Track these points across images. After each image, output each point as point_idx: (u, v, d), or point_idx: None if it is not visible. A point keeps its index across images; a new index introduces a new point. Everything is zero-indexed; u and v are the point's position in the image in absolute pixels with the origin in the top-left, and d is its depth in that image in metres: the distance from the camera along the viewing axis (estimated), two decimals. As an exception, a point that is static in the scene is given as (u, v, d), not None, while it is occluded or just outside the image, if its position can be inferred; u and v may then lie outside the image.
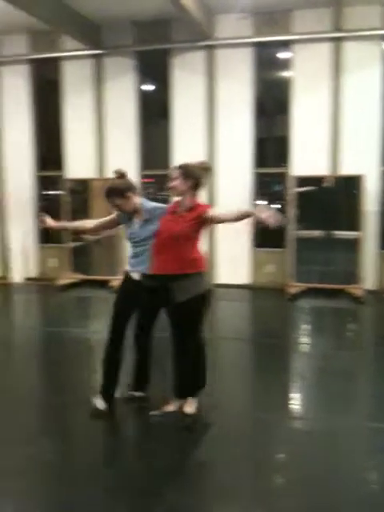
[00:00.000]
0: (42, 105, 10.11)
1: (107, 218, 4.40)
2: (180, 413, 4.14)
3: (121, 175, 4.18)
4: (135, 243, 4.17)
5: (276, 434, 3.99)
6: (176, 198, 4.09)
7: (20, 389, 4.97)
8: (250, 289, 9.14)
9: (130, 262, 4.24)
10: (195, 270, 3.98)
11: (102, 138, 9.66)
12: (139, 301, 4.19)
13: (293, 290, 8.36)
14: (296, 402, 4.71)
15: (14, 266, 10.16)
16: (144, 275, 4.08)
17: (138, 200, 4.15)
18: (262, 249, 9.25)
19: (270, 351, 6.00)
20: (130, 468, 3.57)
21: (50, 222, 4.46)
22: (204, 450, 3.74)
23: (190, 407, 4.18)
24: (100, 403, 4.23)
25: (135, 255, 4.18)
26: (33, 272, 10.26)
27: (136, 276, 4.16)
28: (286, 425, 4.14)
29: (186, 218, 3.92)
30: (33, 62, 9.90)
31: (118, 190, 4.06)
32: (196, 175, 3.97)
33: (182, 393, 4.22)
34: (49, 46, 9.64)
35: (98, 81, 9.60)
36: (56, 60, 9.74)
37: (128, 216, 4.18)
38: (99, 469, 3.59)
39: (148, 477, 3.41)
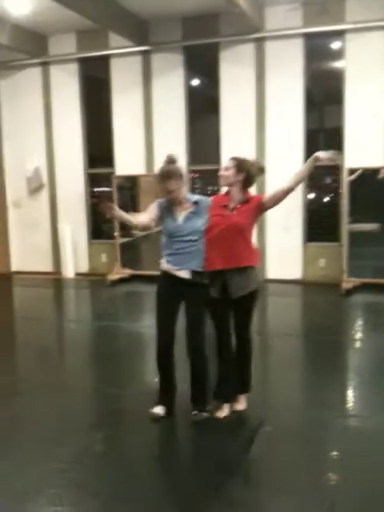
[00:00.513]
0: (92, 103, 10.21)
1: (154, 212, 4.00)
2: (233, 412, 4.08)
3: (172, 161, 3.97)
4: (178, 238, 3.90)
5: (330, 432, 3.89)
6: (224, 190, 4.04)
7: (73, 381, 5.03)
8: (301, 284, 8.97)
9: (171, 259, 3.93)
10: (252, 263, 3.93)
11: (150, 135, 9.68)
12: (187, 300, 3.96)
13: (346, 286, 8.14)
14: (351, 399, 4.58)
15: (66, 262, 10.30)
16: (196, 272, 3.88)
17: (185, 191, 4.04)
18: (313, 243, 9.06)
19: (323, 348, 5.85)
20: (184, 463, 3.54)
21: (115, 209, 3.94)
22: (259, 447, 3.67)
23: (241, 404, 4.14)
24: (159, 409, 4.08)
25: (177, 252, 3.89)
26: (83, 267, 10.39)
27: (184, 274, 3.89)
28: (340, 422, 4.03)
29: (242, 209, 3.86)
30: (81, 60, 10.01)
31: (177, 172, 3.88)
32: (249, 170, 3.92)
33: (240, 390, 4.15)
34: (97, 44, 9.71)
35: (147, 77, 9.61)
36: (104, 58, 9.82)
37: (170, 208, 3.94)
38: (154, 463, 3.57)
39: (204, 472, 3.37)
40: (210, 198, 4.07)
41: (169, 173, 3.87)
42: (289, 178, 4.06)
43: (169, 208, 3.97)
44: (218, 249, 3.84)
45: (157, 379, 4.19)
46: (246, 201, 3.90)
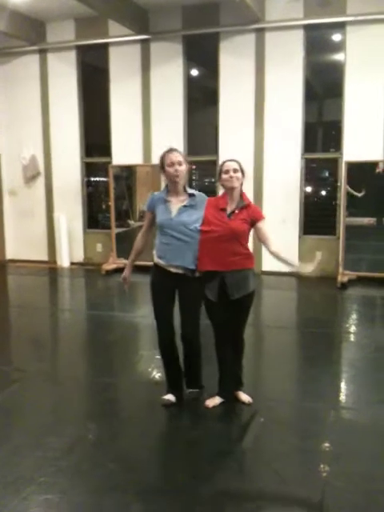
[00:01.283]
0: (89, 91, 10.15)
1: (146, 222, 4.10)
2: (240, 401, 4.11)
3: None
4: (169, 231, 3.86)
5: (323, 424, 3.88)
6: (222, 192, 3.98)
7: (67, 370, 5.01)
8: (297, 277, 8.95)
9: (162, 253, 3.91)
10: (248, 266, 3.90)
11: (147, 125, 9.61)
12: (180, 291, 3.95)
13: (342, 279, 8.14)
14: (344, 391, 4.58)
15: (61, 251, 10.25)
16: (189, 270, 3.86)
17: (184, 181, 3.99)
18: (310, 236, 9.05)
19: (318, 340, 5.85)
20: (177, 453, 3.52)
21: (128, 274, 4.16)
22: (252, 438, 3.66)
23: (245, 397, 4.13)
24: (169, 396, 4.12)
25: (169, 246, 3.86)
26: (79, 257, 10.35)
27: (176, 269, 3.86)
28: (333, 414, 4.03)
29: (240, 215, 3.82)
30: (80, 48, 9.93)
31: (183, 154, 3.93)
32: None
33: (236, 386, 4.16)
34: (96, 31, 9.63)
35: (145, 67, 9.53)
36: (103, 46, 9.75)
37: (165, 199, 3.91)
38: (147, 452, 3.55)
39: (197, 462, 3.37)
40: (207, 198, 4.00)
41: (175, 149, 3.92)
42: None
43: (164, 199, 3.93)
44: (214, 253, 3.80)
45: (163, 369, 4.24)
46: (244, 206, 3.86)
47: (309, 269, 3.95)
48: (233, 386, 4.14)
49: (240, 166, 3.88)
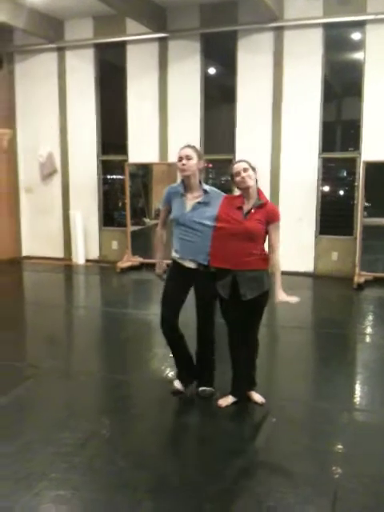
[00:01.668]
0: (106, 89, 10.16)
1: (162, 217, 4.17)
2: (252, 401, 4.09)
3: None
4: (182, 226, 3.91)
5: (336, 425, 3.85)
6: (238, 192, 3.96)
7: (81, 367, 5.02)
8: (313, 277, 8.91)
9: (178, 247, 3.96)
10: (262, 267, 3.85)
11: (164, 123, 9.61)
12: (196, 287, 3.97)
13: (359, 280, 8.06)
14: (358, 393, 4.54)
15: (76, 248, 10.30)
16: (203, 266, 3.88)
17: (198, 177, 3.99)
18: (326, 236, 8.98)
19: (334, 341, 5.80)
20: (189, 451, 3.53)
21: (161, 270, 4.22)
22: (264, 437, 3.64)
23: (259, 397, 4.11)
24: (177, 383, 4.22)
25: (182, 240, 3.91)
26: (94, 254, 10.39)
27: (191, 264, 3.91)
28: (346, 416, 4.00)
29: (256, 215, 3.78)
30: (98, 46, 9.95)
31: (197, 149, 3.95)
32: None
33: (249, 386, 4.13)
34: (114, 29, 9.64)
35: (163, 65, 9.53)
36: (121, 44, 9.76)
37: (181, 194, 3.94)
38: (159, 450, 3.55)
39: (209, 461, 3.36)
40: (223, 195, 3.99)
41: (190, 145, 3.95)
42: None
43: (180, 194, 3.96)
44: (226, 251, 3.78)
45: (171, 355, 4.29)
46: (261, 205, 3.82)
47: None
48: (246, 385, 4.11)
49: (249, 164, 3.85)
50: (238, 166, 3.82)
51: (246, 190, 3.82)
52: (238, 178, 3.81)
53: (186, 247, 3.90)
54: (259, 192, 3.88)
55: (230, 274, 3.79)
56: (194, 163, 3.87)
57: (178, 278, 3.99)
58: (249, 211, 3.80)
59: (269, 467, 3.29)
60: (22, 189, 10.80)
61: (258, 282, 3.81)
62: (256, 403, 4.05)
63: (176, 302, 4.02)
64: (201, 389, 4.17)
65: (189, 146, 3.93)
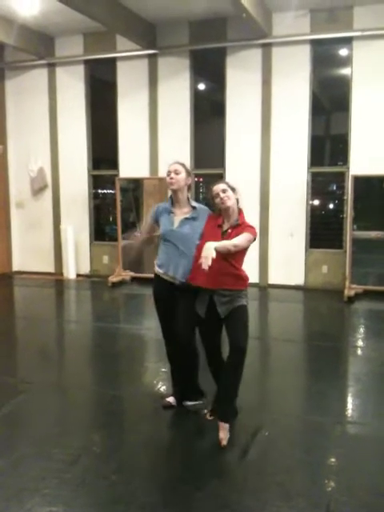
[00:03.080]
0: (97, 105, 10.23)
1: (146, 228, 4.28)
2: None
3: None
4: (170, 242, 3.94)
5: (328, 438, 3.85)
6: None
7: (73, 382, 5.01)
8: (304, 290, 8.95)
9: (161, 262, 4.00)
10: (239, 287, 3.81)
11: (155, 138, 9.67)
12: (178, 300, 3.97)
13: (349, 292, 8.11)
14: (350, 406, 4.55)
15: (67, 263, 10.28)
16: (183, 284, 3.90)
17: (186, 193, 4.04)
18: (317, 249, 9.04)
19: (324, 354, 5.82)
20: (182, 466, 3.49)
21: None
22: (256, 452, 3.63)
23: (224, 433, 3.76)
24: (170, 398, 4.26)
25: (168, 255, 3.95)
26: (85, 269, 10.38)
27: (172, 279, 3.94)
28: (338, 429, 4.01)
29: (233, 234, 3.76)
30: (88, 62, 10.04)
31: (185, 165, 4.01)
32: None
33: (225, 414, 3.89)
34: (104, 46, 9.73)
35: (153, 81, 9.61)
36: (111, 60, 9.84)
37: (169, 210, 3.99)
38: (151, 465, 3.54)
39: (201, 476, 3.34)
40: (209, 212, 3.99)
41: (178, 161, 4.01)
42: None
43: (168, 211, 4.00)
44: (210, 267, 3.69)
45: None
46: (238, 225, 3.81)
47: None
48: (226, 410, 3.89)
49: (228, 185, 3.86)
50: (216, 188, 3.83)
51: (225, 210, 3.82)
52: (217, 199, 3.82)
53: (167, 262, 3.95)
54: (240, 213, 3.87)
55: (207, 293, 3.80)
56: (181, 177, 3.92)
57: (164, 296, 4.04)
58: (227, 230, 3.81)
59: (262, 481, 3.29)
60: (12, 203, 10.80)
61: (233, 301, 3.76)
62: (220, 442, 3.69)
63: (171, 323, 4.04)
64: (188, 403, 4.19)
65: (177, 162, 4.00)
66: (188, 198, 4.03)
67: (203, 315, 3.84)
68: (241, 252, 3.80)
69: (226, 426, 3.75)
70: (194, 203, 4.03)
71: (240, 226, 3.81)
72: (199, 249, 3.74)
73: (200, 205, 4.07)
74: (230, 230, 3.81)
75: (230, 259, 3.73)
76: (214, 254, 3.44)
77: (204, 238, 3.81)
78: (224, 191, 3.79)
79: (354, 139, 8.64)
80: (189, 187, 4.04)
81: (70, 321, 7.66)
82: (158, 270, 4.04)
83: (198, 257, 3.71)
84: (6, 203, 10.73)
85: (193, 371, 4.17)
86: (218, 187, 3.82)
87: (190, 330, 4.02)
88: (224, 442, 3.67)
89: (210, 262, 3.41)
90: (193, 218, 3.94)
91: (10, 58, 10.34)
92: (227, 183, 3.89)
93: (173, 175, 3.92)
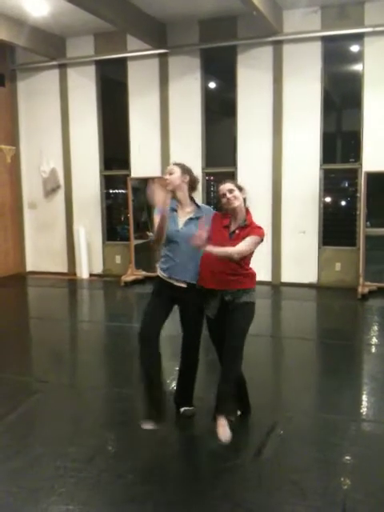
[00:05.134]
0: (108, 105, 10.26)
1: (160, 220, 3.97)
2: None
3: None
4: (175, 244, 3.81)
5: (343, 436, 3.83)
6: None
7: (87, 381, 5.04)
8: (317, 288, 8.91)
9: (166, 266, 3.85)
10: (248, 286, 3.76)
11: (166, 137, 9.68)
12: (181, 305, 3.89)
13: (362, 290, 8.06)
14: (364, 404, 4.52)
15: (80, 263, 10.33)
16: (190, 285, 3.80)
17: (187, 194, 3.91)
18: (329, 247, 9.00)
19: (338, 352, 5.79)
20: (196, 465, 3.51)
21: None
22: (271, 450, 3.62)
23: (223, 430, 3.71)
24: (147, 423, 3.86)
25: (173, 258, 3.82)
26: (98, 268, 10.42)
27: (178, 283, 3.81)
28: (353, 427, 3.99)
29: (241, 235, 3.71)
30: (99, 62, 10.06)
31: (182, 165, 3.90)
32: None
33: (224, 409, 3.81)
34: (115, 46, 9.75)
35: (164, 80, 9.62)
36: (122, 60, 9.86)
37: (172, 211, 3.83)
38: (166, 464, 3.55)
39: (216, 474, 3.34)
40: (214, 212, 3.95)
41: (175, 162, 3.95)
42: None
43: (173, 208, 3.87)
44: (212, 271, 3.72)
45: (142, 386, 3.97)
46: (246, 226, 3.75)
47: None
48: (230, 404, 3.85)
49: (235, 184, 3.81)
50: (223, 188, 3.77)
51: (232, 210, 3.77)
52: (223, 200, 3.77)
53: (176, 267, 3.80)
54: (247, 213, 3.81)
55: (217, 294, 3.75)
56: (175, 177, 3.83)
57: (164, 296, 3.90)
58: (234, 231, 3.76)
59: (277, 479, 3.28)
60: (25, 204, 10.87)
61: (242, 298, 3.73)
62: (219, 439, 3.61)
63: (158, 321, 3.91)
64: (183, 409, 4.10)
65: (173, 164, 3.93)
66: (192, 198, 3.93)
67: (214, 316, 3.80)
68: (249, 253, 3.73)
69: (224, 422, 3.63)
70: (198, 203, 3.96)
71: (248, 227, 3.75)
72: (206, 251, 3.66)
73: (204, 205, 4.01)
74: (237, 231, 3.75)
75: (239, 260, 3.67)
76: (206, 249, 3.48)
77: (211, 239, 3.68)
78: (231, 191, 3.74)
79: (367, 135, 8.59)
80: (192, 187, 3.93)
81: (83, 320, 7.70)
82: (162, 273, 3.89)
83: (205, 259, 3.72)
84: (19, 204, 10.81)
85: (192, 376, 4.09)
86: (225, 187, 3.77)
87: (197, 338, 3.97)
88: (223, 439, 3.54)
89: (201, 242, 3.43)
90: (197, 218, 3.83)
91: (22, 60, 10.41)
92: (234, 183, 3.84)
93: (167, 176, 3.86)
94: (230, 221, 3.80)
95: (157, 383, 3.89)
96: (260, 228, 3.77)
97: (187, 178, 3.88)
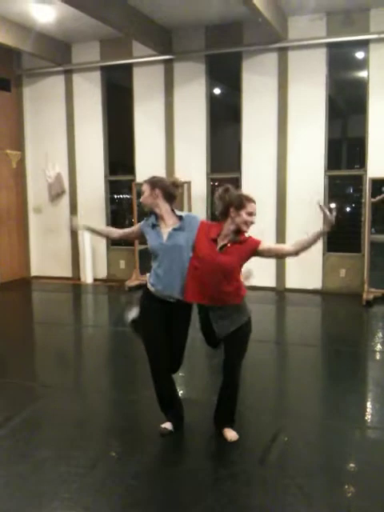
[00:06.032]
0: (114, 110, 10.28)
1: (130, 229, 4.09)
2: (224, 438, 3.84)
3: (174, 182, 3.89)
4: (160, 257, 3.71)
5: (348, 443, 3.83)
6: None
7: (91, 386, 5.04)
8: (321, 294, 8.89)
9: (154, 281, 3.74)
10: (234, 302, 3.62)
11: (171, 143, 9.69)
12: (171, 318, 3.78)
13: (367, 296, 8.04)
14: (369, 410, 4.50)
15: (85, 268, 10.35)
16: (179, 301, 3.68)
17: (166, 207, 3.77)
18: (334, 253, 8.99)
19: (343, 358, 5.78)
20: (200, 470, 3.48)
21: (78, 224, 4.23)
22: (275, 457, 3.61)
23: (232, 434, 3.82)
24: (167, 424, 3.99)
25: (160, 271, 3.70)
26: (102, 273, 10.43)
27: (167, 298, 3.70)
28: (358, 434, 3.98)
29: (231, 250, 3.54)
30: (104, 68, 10.10)
31: (153, 181, 3.79)
32: (232, 199, 3.57)
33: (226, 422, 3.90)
34: (120, 52, 9.78)
35: (169, 86, 9.64)
36: (127, 66, 9.89)
37: (155, 225, 3.76)
38: (170, 469, 3.53)
39: (220, 480, 3.33)
40: (200, 220, 3.76)
41: (145, 179, 3.86)
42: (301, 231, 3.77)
43: (153, 224, 3.79)
44: (200, 285, 3.57)
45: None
46: (239, 242, 3.56)
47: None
48: (224, 420, 3.89)
49: (223, 193, 3.60)
50: (253, 207, 3.52)
51: (240, 231, 3.57)
52: (245, 218, 3.52)
53: (163, 282, 3.69)
54: (241, 234, 3.59)
55: (203, 310, 3.68)
56: (146, 196, 3.75)
57: (155, 314, 3.77)
58: (225, 245, 3.56)
59: (282, 485, 3.27)
60: (30, 209, 10.89)
61: (231, 318, 3.61)
62: (228, 440, 3.78)
63: (161, 343, 3.82)
64: (162, 426, 3.98)
65: (144, 181, 3.84)
66: (173, 210, 3.81)
67: (202, 330, 3.77)
68: (239, 268, 3.61)
69: (229, 429, 3.81)
70: (179, 213, 3.81)
71: (245, 243, 3.56)
72: (191, 263, 3.60)
73: (188, 213, 3.89)
74: (229, 245, 3.55)
75: (227, 276, 3.53)
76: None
77: (199, 254, 3.57)
78: (254, 214, 3.55)
79: (372, 142, 8.58)
80: (169, 199, 3.78)
81: (87, 325, 7.70)
82: (150, 288, 3.76)
83: (191, 271, 3.59)
84: (24, 209, 10.84)
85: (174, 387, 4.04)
86: (254, 208, 3.54)
87: (182, 353, 3.92)
88: (234, 439, 3.76)
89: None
90: (181, 228, 3.69)
91: (28, 65, 10.46)
92: (224, 189, 3.61)
93: (141, 198, 3.80)
94: (218, 233, 3.60)
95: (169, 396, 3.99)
96: (254, 239, 3.60)
97: (159, 192, 3.73)
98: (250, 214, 3.53)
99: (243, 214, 3.52)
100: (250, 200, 3.56)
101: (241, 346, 3.71)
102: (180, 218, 3.75)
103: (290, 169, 9.03)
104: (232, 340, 3.65)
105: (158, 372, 3.91)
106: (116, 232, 4.25)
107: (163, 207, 3.76)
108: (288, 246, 3.65)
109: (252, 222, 3.55)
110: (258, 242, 3.57)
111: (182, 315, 3.81)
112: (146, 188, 3.78)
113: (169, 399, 3.96)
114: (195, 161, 9.53)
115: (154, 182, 3.79)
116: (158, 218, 3.78)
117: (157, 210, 3.77)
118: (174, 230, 3.71)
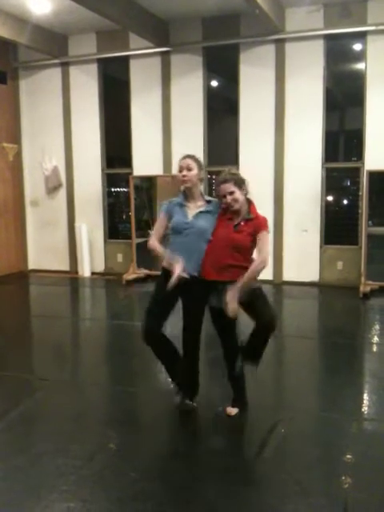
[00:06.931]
0: (110, 103, 10.25)
1: (161, 227, 3.99)
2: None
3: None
4: (183, 235, 3.82)
5: (345, 435, 3.84)
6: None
7: (88, 379, 5.04)
8: (319, 286, 8.91)
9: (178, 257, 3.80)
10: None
11: (168, 136, 9.67)
12: (184, 297, 3.90)
13: (364, 289, 8.05)
14: (366, 403, 4.52)
15: (82, 261, 10.34)
16: (193, 277, 3.78)
17: (200, 187, 3.98)
18: (332, 245, 9.00)
19: (341, 351, 5.79)
20: (197, 463, 3.50)
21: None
22: (272, 449, 3.62)
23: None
24: (177, 398, 4.14)
25: (179, 248, 3.80)
26: (99, 267, 10.43)
27: (185, 275, 3.74)
28: (355, 426, 3.99)
29: (245, 227, 3.75)
30: (101, 60, 10.05)
31: (197, 159, 3.92)
32: (245, 182, 3.83)
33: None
34: (117, 44, 9.74)
35: (166, 78, 9.60)
36: (124, 58, 9.85)
37: (182, 204, 3.90)
38: (167, 461, 3.56)
39: (217, 472, 3.34)
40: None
41: (189, 155, 3.93)
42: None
43: (181, 204, 3.91)
44: (214, 261, 3.77)
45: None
46: (251, 219, 3.79)
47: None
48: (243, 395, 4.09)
49: (235, 180, 3.76)
50: (223, 189, 3.76)
51: (234, 211, 3.80)
52: (224, 200, 3.79)
53: (181, 257, 3.77)
54: (251, 205, 3.84)
55: (219, 284, 3.76)
56: (194, 173, 3.85)
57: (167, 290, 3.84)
58: (239, 223, 3.79)
59: (279, 478, 3.28)
60: (27, 202, 10.87)
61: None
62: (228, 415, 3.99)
63: (163, 314, 3.96)
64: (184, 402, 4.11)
65: (189, 157, 3.92)
66: (201, 193, 3.98)
67: (220, 304, 3.78)
68: (252, 246, 3.78)
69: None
70: (207, 197, 3.98)
71: (253, 220, 3.78)
72: (211, 244, 3.78)
73: (213, 199, 4.00)
74: (242, 223, 3.78)
75: (242, 252, 3.75)
76: (235, 305, 3.60)
77: (216, 233, 3.80)
78: (231, 193, 3.74)
79: (369, 134, 8.57)
80: (201, 180, 3.98)
81: (85, 318, 7.71)
82: (167, 265, 3.86)
83: (209, 251, 3.78)
84: (21, 202, 10.81)
85: (194, 369, 4.08)
86: (225, 189, 3.76)
87: (197, 329, 3.98)
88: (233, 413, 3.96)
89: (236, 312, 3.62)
90: (208, 212, 3.88)
91: (24, 58, 10.40)
92: (233, 178, 3.78)
93: (185, 172, 3.85)
94: (233, 215, 3.82)
95: (174, 361, 4.09)
96: (265, 219, 3.82)
97: (201, 174, 3.95)
98: (223, 196, 3.77)
99: (222, 199, 3.81)
100: (219, 183, 3.81)
101: (262, 298, 3.84)
102: (208, 201, 3.93)
103: (288, 161, 9.01)
104: (252, 297, 3.73)
105: (148, 336, 4.05)
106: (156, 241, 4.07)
107: (199, 188, 3.96)
108: (261, 256, 3.75)
109: (231, 202, 3.75)
110: (261, 227, 3.76)
111: (196, 294, 3.86)
112: (193, 165, 3.88)
113: (169, 360, 4.13)
114: (192, 153, 9.49)
115: (200, 163, 3.95)
116: (188, 197, 3.91)
117: (194, 189, 3.90)
118: (201, 212, 3.87)
